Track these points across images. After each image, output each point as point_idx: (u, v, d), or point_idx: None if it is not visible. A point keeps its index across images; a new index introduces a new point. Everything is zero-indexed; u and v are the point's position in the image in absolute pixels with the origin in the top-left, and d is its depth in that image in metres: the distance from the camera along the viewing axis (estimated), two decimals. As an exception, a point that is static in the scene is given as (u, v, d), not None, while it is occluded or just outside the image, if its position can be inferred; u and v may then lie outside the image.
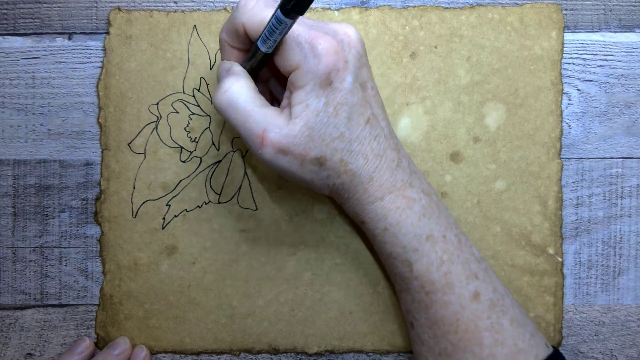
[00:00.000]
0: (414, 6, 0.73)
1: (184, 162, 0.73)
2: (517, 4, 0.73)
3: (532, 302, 0.72)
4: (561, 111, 0.72)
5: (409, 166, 0.65)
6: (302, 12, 0.51)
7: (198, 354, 0.73)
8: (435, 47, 0.73)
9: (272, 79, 0.69)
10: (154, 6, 0.73)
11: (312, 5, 0.73)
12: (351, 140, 0.60)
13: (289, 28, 0.54)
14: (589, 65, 0.74)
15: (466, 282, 0.62)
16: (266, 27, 0.55)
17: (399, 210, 0.62)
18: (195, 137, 0.73)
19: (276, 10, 0.52)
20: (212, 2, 0.73)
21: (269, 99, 0.69)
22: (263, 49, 0.57)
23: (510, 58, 0.72)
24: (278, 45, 0.57)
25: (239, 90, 0.60)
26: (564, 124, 0.73)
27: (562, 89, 0.73)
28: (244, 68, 0.63)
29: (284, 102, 0.61)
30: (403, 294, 0.66)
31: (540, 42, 0.72)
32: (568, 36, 0.74)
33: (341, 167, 0.60)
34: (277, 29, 0.54)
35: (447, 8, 0.73)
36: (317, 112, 0.58)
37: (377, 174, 0.62)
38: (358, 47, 0.60)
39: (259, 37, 0.57)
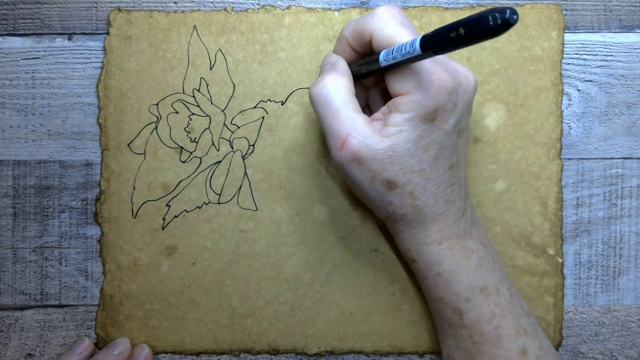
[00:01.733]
0: (415, 7, 0.73)
1: (183, 162, 0.72)
2: (517, 4, 0.73)
3: (532, 302, 0.72)
4: (561, 112, 0.72)
5: (472, 216, 0.65)
6: (439, 53, 0.50)
7: (198, 354, 0.73)
8: (436, 47, 0.73)
9: (373, 88, 0.69)
10: (154, 6, 0.73)
11: (312, 6, 0.73)
12: (429, 179, 0.60)
13: (419, 60, 0.53)
14: (589, 65, 0.74)
15: (515, 337, 0.62)
16: (397, 47, 0.55)
17: (456, 258, 0.62)
18: (195, 138, 0.73)
19: (415, 40, 0.51)
20: (212, 2, 0.73)
21: (362, 104, 0.69)
22: (382, 63, 0.57)
23: (510, 58, 0.72)
24: (397, 65, 0.56)
25: (337, 89, 0.60)
26: (564, 124, 0.73)
27: (562, 90, 0.73)
28: (350, 68, 0.63)
29: (378, 114, 0.61)
30: (448, 339, 0.66)
31: (540, 43, 0.72)
32: (568, 36, 0.74)
33: (409, 200, 0.60)
34: (407, 56, 0.53)
35: (447, 8, 0.73)
36: (408, 141, 0.57)
37: (441, 218, 0.62)
38: (471, 95, 0.60)
39: (383, 51, 0.57)
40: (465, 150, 0.64)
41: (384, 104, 0.62)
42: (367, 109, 0.70)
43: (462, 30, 0.45)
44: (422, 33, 0.51)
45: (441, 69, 0.57)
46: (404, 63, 0.55)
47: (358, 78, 0.63)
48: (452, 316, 0.63)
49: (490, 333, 0.62)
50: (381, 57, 0.57)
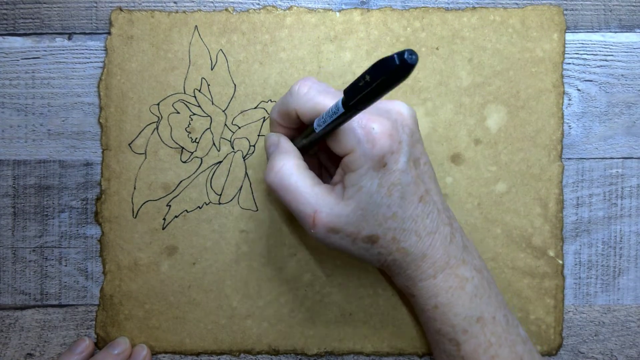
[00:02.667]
0: (416, 7, 0.73)
1: (184, 162, 0.72)
2: (518, 5, 0.73)
3: (532, 304, 0.73)
4: (562, 113, 0.72)
5: (462, 239, 0.65)
6: (363, 109, 0.50)
7: (198, 354, 0.73)
8: (437, 48, 0.72)
9: (321, 153, 0.70)
10: (155, 6, 0.73)
11: (312, 7, 0.73)
12: (404, 219, 0.60)
13: (348, 119, 0.53)
14: (589, 65, 0.74)
15: None
16: (325, 112, 0.55)
17: (451, 289, 0.62)
18: (196, 138, 0.72)
19: (338, 101, 0.52)
20: (214, 2, 0.73)
21: (317, 170, 0.70)
22: (317, 130, 0.57)
23: (511, 60, 0.72)
24: (332, 129, 0.56)
25: (290, 171, 0.60)
26: (564, 125, 0.73)
27: (563, 91, 0.73)
28: (294, 144, 0.64)
29: (336, 178, 0.62)
30: None
31: (541, 45, 0.72)
32: (568, 36, 0.74)
33: (393, 246, 0.61)
34: (336, 120, 0.53)
35: (448, 10, 0.73)
36: (370, 194, 0.58)
37: (430, 251, 0.62)
38: (411, 125, 0.60)
39: (315, 120, 0.58)
40: (430, 174, 0.64)
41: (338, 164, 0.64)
42: (326, 172, 0.71)
43: (367, 77, 0.46)
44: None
45: (373, 115, 0.58)
46: (338, 125, 0.55)
47: (305, 150, 0.64)
48: (450, 347, 0.64)
49: None
50: (315, 125, 0.58)
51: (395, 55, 0.42)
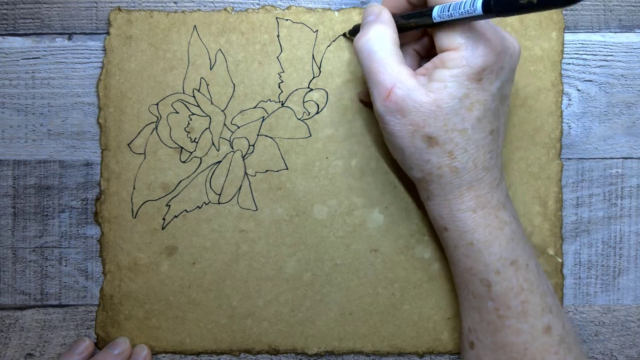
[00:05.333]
0: None
1: (183, 162, 0.73)
2: (517, 4, 0.73)
3: (532, 303, 0.73)
4: (561, 112, 0.72)
5: (505, 188, 0.65)
6: (502, 16, 0.50)
7: (198, 354, 0.73)
8: (436, 47, 0.73)
9: (410, 44, 0.68)
10: (154, 6, 0.73)
11: (312, 7, 0.73)
12: (470, 140, 0.59)
13: (475, 20, 0.53)
14: (589, 65, 0.74)
15: (541, 313, 0.62)
16: (454, 4, 0.54)
17: (490, 228, 0.62)
18: (195, 138, 0.73)
19: (474, 2, 0.51)
20: (212, 2, 0.73)
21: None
22: (436, 19, 0.56)
23: (510, 59, 0.72)
24: (450, 22, 0.56)
25: (382, 40, 0.59)
26: (564, 124, 0.73)
27: (562, 90, 0.73)
28: (395, 20, 0.62)
29: (421, 70, 0.61)
30: (471, 311, 0.65)
31: (540, 43, 0.72)
32: (568, 36, 0.74)
33: (447, 160, 0.60)
34: (465, 15, 0.53)
35: None
36: (453, 97, 0.57)
37: (478, 185, 0.61)
38: (515, 61, 0.60)
39: (437, 6, 0.57)
40: (506, 119, 0.64)
41: (419, 61, 0.64)
42: (411, 58, 0.69)
43: None
44: None
45: (492, 29, 0.57)
46: (459, 21, 0.55)
47: (401, 31, 0.63)
48: (480, 287, 0.63)
49: (517, 307, 0.61)
50: (435, 12, 0.56)
51: None
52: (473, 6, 0.52)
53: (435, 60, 0.59)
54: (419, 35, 0.67)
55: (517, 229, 0.63)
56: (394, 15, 0.63)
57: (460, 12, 0.53)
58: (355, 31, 0.70)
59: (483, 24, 0.56)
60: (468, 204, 0.61)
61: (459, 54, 0.56)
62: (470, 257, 0.63)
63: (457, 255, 0.64)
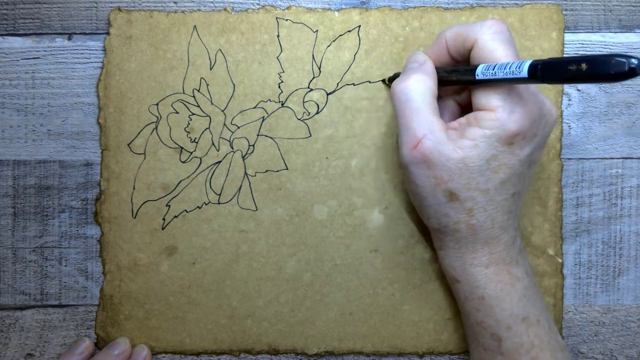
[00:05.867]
0: (415, 7, 0.73)
1: (183, 162, 0.72)
2: (517, 4, 0.73)
3: (532, 303, 0.73)
4: (561, 112, 0.72)
5: (521, 245, 0.65)
6: (547, 83, 0.50)
7: (198, 354, 0.73)
8: (436, 47, 0.73)
9: (448, 98, 0.68)
10: (154, 6, 0.73)
11: (312, 7, 0.73)
12: (492, 201, 0.60)
13: (519, 83, 0.53)
14: (589, 65, 0.74)
15: None
16: (500, 65, 0.54)
17: (501, 284, 0.62)
18: (195, 138, 0.73)
19: (524, 63, 0.51)
20: (212, 2, 0.73)
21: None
22: (479, 76, 0.57)
23: (510, 59, 0.72)
24: (492, 82, 0.56)
25: (421, 90, 0.59)
26: (564, 124, 0.73)
27: (563, 91, 0.72)
28: (437, 72, 0.63)
29: (454, 124, 0.61)
30: None
31: (540, 43, 0.72)
32: (568, 36, 0.74)
33: (466, 217, 0.60)
34: (509, 76, 0.53)
35: (447, 9, 0.73)
36: (481, 158, 0.57)
37: (493, 242, 0.61)
38: (550, 129, 0.60)
39: (482, 65, 0.57)
40: (529, 182, 0.64)
41: (457, 113, 0.65)
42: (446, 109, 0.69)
43: (584, 66, 0.45)
44: (530, 60, 0.51)
45: (532, 96, 0.57)
46: (501, 82, 0.55)
47: (442, 84, 0.63)
48: (490, 342, 0.63)
49: None
50: (479, 70, 0.56)
51: (625, 61, 0.42)
52: (519, 68, 0.52)
53: (470, 117, 0.59)
54: (460, 88, 0.67)
55: (529, 284, 0.63)
56: (437, 68, 0.63)
57: (504, 72, 0.53)
58: (394, 78, 0.70)
59: (524, 87, 0.57)
60: (481, 259, 0.62)
61: (495, 115, 0.56)
62: (481, 311, 0.63)
63: (468, 307, 0.64)
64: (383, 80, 0.73)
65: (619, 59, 0.42)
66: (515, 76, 0.52)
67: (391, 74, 0.72)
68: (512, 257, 0.62)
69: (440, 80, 0.62)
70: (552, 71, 0.48)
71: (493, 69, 0.55)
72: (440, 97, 0.64)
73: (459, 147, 0.58)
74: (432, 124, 0.58)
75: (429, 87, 0.60)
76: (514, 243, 0.63)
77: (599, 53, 0.45)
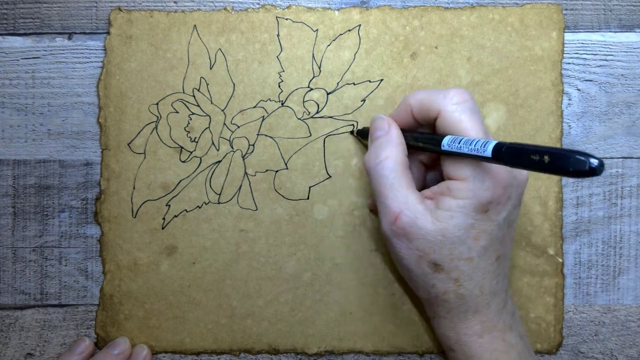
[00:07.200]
0: (415, 6, 0.73)
1: (183, 162, 0.72)
2: (517, 4, 0.73)
3: (532, 302, 0.72)
4: (561, 112, 0.72)
5: (512, 307, 0.65)
6: (509, 166, 0.51)
7: (198, 354, 0.73)
8: (436, 47, 0.72)
9: (417, 158, 0.68)
10: (154, 6, 0.73)
11: (312, 6, 0.73)
12: (477, 268, 0.60)
13: (483, 160, 0.54)
14: (589, 65, 0.74)
15: None
16: (465, 140, 0.55)
17: (496, 353, 0.62)
18: (195, 137, 0.73)
19: (488, 143, 0.52)
20: (212, 2, 0.73)
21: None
22: (445, 148, 0.57)
23: (510, 59, 0.72)
24: (455, 153, 0.57)
25: (393, 166, 0.60)
26: (564, 124, 0.73)
27: (563, 90, 0.72)
28: (405, 136, 0.63)
29: (428, 192, 0.61)
30: None
31: (540, 43, 0.72)
32: (568, 36, 0.74)
33: (453, 286, 0.60)
34: (474, 152, 0.53)
35: (447, 8, 0.73)
36: (459, 227, 0.57)
37: (484, 310, 0.61)
38: (523, 188, 0.61)
39: (448, 137, 0.57)
40: (512, 240, 0.64)
41: (424, 172, 0.66)
42: (416, 168, 0.69)
43: (546, 158, 0.46)
44: (495, 141, 0.52)
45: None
46: (467, 156, 0.55)
47: (409, 148, 0.63)
48: None
49: None
50: (445, 142, 0.57)
51: (585, 160, 0.43)
52: (484, 147, 0.52)
53: (442, 186, 0.60)
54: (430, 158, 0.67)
55: (523, 349, 0.63)
56: (404, 133, 0.64)
57: (469, 148, 0.54)
58: (363, 133, 0.71)
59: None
60: (474, 328, 0.62)
61: (466, 185, 0.57)
62: None
63: None
64: (351, 132, 0.73)
65: (580, 157, 0.43)
66: (479, 154, 0.53)
67: (360, 129, 0.73)
68: (505, 322, 0.63)
69: (408, 145, 0.63)
70: (515, 157, 0.49)
71: (459, 143, 0.55)
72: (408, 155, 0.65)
73: (436, 218, 0.58)
74: (407, 198, 0.59)
75: (399, 160, 0.61)
76: (505, 306, 0.63)
77: (568, 147, 0.46)
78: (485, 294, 0.61)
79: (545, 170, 0.46)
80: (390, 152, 0.61)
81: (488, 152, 0.51)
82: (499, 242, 0.60)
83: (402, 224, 0.59)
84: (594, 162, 0.42)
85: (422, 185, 0.69)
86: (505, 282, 0.63)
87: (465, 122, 0.57)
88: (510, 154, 0.49)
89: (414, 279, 0.63)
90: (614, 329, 0.74)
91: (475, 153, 0.53)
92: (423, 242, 0.59)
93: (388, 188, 0.60)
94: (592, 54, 0.74)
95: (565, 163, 0.44)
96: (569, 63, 0.74)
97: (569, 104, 0.73)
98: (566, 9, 0.74)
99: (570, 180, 0.73)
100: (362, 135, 0.71)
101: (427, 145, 0.61)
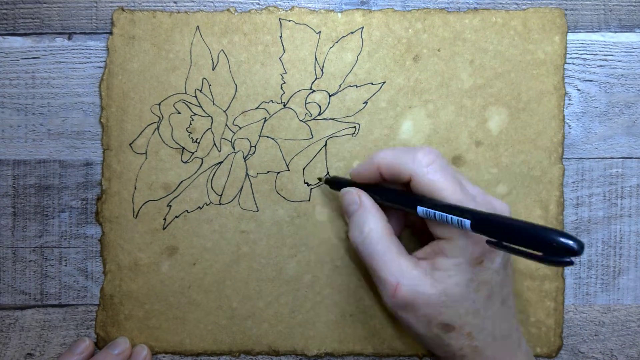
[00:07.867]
0: (418, 9, 0.73)
1: (185, 162, 0.72)
2: (520, 7, 0.73)
3: (532, 306, 0.73)
4: (563, 116, 0.72)
5: (525, 344, 0.65)
6: (486, 235, 0.51)
7: (198, 355, 0.73)
8: (439, 50, 0.72)
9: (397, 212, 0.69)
10: (155, 6, 0.73)
11: (314, 7, 0.73)
12: (485, 318, 0.60)
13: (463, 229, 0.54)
14: (589, 65, 0.74)
15: None
16: (439, 214, 0.55)
17: None
18: (197, 138, 0.72)
19: (464, 222, 0.52)
20: (215, 3, 0.73)
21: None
22: (419, 213, 0.57)
23: (513, 62, 0.72)
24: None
25: (378, 237, 0.61)
26: (564, 126, 0.73)
27: (565, 94, 0.73)
28: (375, 200, 0.64)
29: (421, 253, 0.61)
30: None
31: (543, 47, 0.72)
32: (568, 36, 0.73)
33: (467, 341, 0.60)
34: (454, 225, 0.54)
35: (450, 11, 0.73)
36: (459, 284, 0.57)
37: (499, 355, 0.61)
38: None
39: (420, 208, 0.57)
40: (512, 277, 0.64)
41: (397, 223, 0.66)
42: (397, 222, 0.70)
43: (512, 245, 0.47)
44: (469, 219, 0.53)
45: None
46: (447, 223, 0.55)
47: (384, 208, 0.64)
48: None
49: None
50: (420, 211, 0.57)
51: (564, 248, 0.44)
52: (459, 222, 0.53)
53: (433, 246, 0.60)
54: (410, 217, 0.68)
55: None
56: (380, 193, 0.64)
57: (446, 219, 0.55)
58: (332, 183, 0.71)
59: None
60: None
61: (455, 243, 0.57)
62: None
63: None
64: (319, 178, 0.73)
65: (562, 246, 0.44)
66: (455, 224, 0.53)
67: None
68: None
69: (382, 206, 0.64)
70: (492, 234, 0.51)
71: (434, 214, 0.56)
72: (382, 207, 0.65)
73: (435, 280, 0.58)
74: (401, 266, 0.59)
75: (382, 230, 0.61)
76: (519, 346, 0.63)
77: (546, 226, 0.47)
78: (498, 339, 0.61)
79: (518, 252, 0.48)
80: (371, 224, 0.62)
81: (467, 226, 0.52)
82: (500, 286, 0.60)
83: (403, 294, 0.59)
84: (574, 244, 0.43)
85: (403, 227, 0.70)
86: (515, 320, 0.63)
87: (439, 182, 0.58)
88: (490, 232, 0.51)
89: (428, 342, 0.62)
90: (614, 329, 0.74)
91: (451, 222, 0.54)
92: (427, 307, 0.59)
93: (380, 261, 0.60)
94: (592, 54, 0.74)
95: (538, 248, 0.46)
96: (569, 63, 0.74)
97: (569, 104, 0.73)
98: (566, 10, 0.74)
99: (570, 180, 0.73)
100: (331, 185, 0.71)
101: (402, 208, 0.61)
